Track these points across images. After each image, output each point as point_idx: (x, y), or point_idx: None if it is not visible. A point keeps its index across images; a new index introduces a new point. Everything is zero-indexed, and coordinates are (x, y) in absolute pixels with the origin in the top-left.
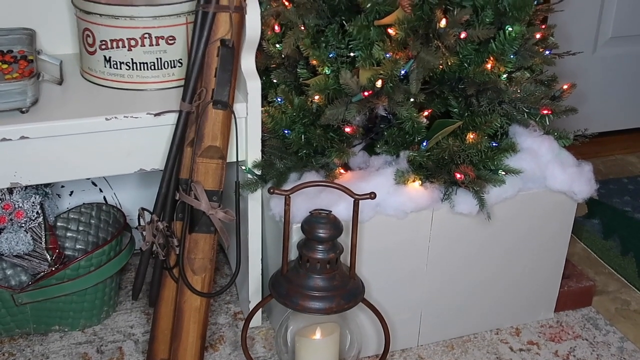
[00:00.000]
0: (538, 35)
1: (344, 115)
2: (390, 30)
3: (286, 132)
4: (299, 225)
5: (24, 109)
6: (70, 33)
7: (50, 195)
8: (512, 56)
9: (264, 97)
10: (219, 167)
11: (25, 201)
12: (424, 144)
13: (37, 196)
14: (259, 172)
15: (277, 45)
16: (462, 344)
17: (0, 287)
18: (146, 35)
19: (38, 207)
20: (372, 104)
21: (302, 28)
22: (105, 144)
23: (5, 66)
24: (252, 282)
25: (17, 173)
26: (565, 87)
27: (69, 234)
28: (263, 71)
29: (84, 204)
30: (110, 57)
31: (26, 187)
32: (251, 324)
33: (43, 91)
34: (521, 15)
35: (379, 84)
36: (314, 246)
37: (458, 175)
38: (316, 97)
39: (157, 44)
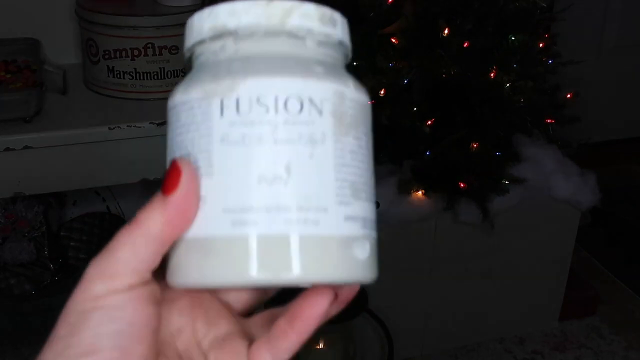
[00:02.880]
0: (541, 44)
1: None
2: (393, 39)
3: None
4: None
5: (27, 119)
6: (73, 43)
7: (53, 205)
8: (515, 65)
9: None
10: None
11: (29, 210)
12: (427, 153)
13: (41, 205)
14: None
15: None
16: (466, 353)
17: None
18: (149, 45)
19: (41, 216)
20: (375, 113)
21: None
22: (108, 154)
23: (9, 76)
24: None
25: (20, 182)
26: (568, 95)
27: (72, 244)
28: None
29: (87, 213)
30: (113, 67)
31: (29, 196)
32: None
33: (46, 101)
34: (524, 24)
35: (382, 92)
36: None
37: (461, 185)
38: None
39: (160, 54)
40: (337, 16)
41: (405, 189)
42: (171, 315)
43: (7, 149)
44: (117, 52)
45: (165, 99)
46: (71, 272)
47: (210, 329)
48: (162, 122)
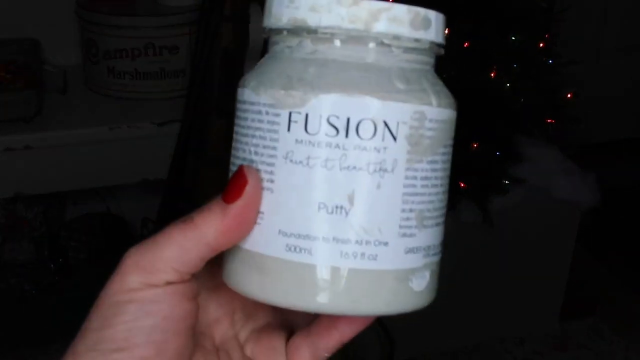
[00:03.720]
0: (541, 45)
1: None
2: None
3: None
4: None
5: (27, 119)
6: (73, 43)
7: (53, 205)
8: (515, 65)
9: None
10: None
11: (29, 210)
12: None
13: (41, 206)
14: None
15: None
16: (467, 354)
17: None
18: (150, 45)
19: (41, 216)
20: None
21: None
22: (108, 154)
23: (9, 76)
24: None
25: (20, 182)
26: (568, 96)
27: (72, 244)
28: None
29: (87, 213)
30: (113, 67)
31: (30, 196)
32: None
33: (47, 101)
34: (524, 25)
35: None
36: None
37: (462, 185)
38: None
39: (161, 54)
40: (432, 15)
41: None
42: (209, 306)
43: (8, 149)
44: (118, 53)
45: (166, 100)
46: (71, 272)
47: (248, 320)
48: (162, 122)
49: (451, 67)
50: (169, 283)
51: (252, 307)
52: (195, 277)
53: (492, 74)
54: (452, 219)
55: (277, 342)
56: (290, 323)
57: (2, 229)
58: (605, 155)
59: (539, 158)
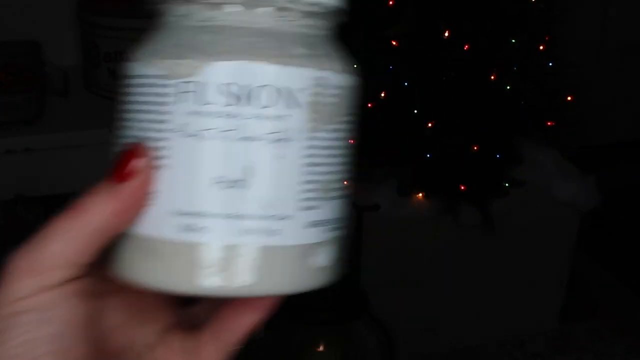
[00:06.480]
0: (541, 47)
1: None
2: (394, 42)
3: None
4: None
5: (28, 121)
6: (74, 45)
7: (54, 207)
8: (515, 67)
9: None
10: None
11: (29, 213)
12: (428, 155)
13: (41, 207)
14: None
15: None
16: (467, 356)
17: None
18: None
19: (42, 218)
20: (376, 116)
21: None
22: (109, 156)
23: (10, 78)
24: None
25: (21, 184)
26: (569, 98)
27: None
28: None
29: None
30: (114, 69)
31: (30, 198)
32: None
33: (47, 103)
34: (525, 27)
35: (382, 95)
36: None
37: (462, 187)
38: None
39: None
40: None
41: (405, 192)
42: (108, 311)
43: (8, 151)
44: (118, 54)
45: None
46: None
47: (151, 323)
48: None
49: (452, 69)
50: (64, 282)
51: (154, 308)
52: (92, 271)
53: (493, 76)
54: (453, 221)
55: (182, 342)
56: (197, 319)
57: (3, 231)
58: (605, 157)
59: (539, 160)
